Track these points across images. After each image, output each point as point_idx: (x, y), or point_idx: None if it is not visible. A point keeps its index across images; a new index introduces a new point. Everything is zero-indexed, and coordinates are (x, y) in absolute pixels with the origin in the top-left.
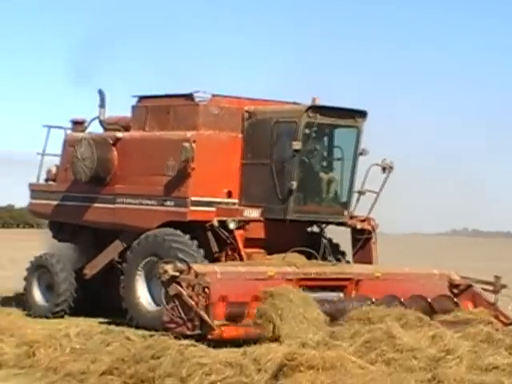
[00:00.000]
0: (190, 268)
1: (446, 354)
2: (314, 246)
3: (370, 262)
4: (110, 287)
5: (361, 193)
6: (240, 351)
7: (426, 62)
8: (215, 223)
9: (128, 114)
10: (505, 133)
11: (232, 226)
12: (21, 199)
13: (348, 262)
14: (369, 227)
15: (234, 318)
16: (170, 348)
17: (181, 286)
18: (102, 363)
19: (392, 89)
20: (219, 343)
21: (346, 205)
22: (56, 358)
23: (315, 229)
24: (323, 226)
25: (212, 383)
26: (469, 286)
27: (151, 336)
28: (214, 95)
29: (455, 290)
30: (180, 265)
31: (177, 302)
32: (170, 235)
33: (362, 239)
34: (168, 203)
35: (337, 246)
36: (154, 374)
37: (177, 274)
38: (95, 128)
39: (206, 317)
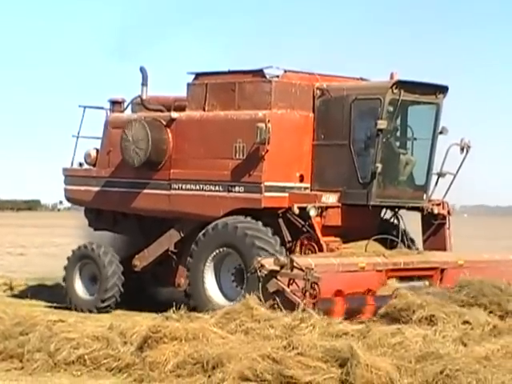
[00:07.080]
0: (292, 262)
1: (300, 322)
2: (389, 232)
3: (443, 249)
4: (162, 280)
5: (440, 175)
6: (106, 325)
7: None
8: (296, 210)
9: (164, 93)
10: None
11: (313, 213)
12: None
13: (417, 248)
14: (444, 212)
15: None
16: (38, 324)
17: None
18: None
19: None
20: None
21: (424, 188)
22: None
23: (387, 214)
24: (396, 210)
25: (80, 356)
26: None
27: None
28: (286, 71)
29: None
30: (282, 258)
31: (278, 300)
32: (242, 223)
33: (435, 225)
34: (237, 189)
35: (406, 232)
36: (23, 350)
37: (277, 268)
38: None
39: (315, 315)
